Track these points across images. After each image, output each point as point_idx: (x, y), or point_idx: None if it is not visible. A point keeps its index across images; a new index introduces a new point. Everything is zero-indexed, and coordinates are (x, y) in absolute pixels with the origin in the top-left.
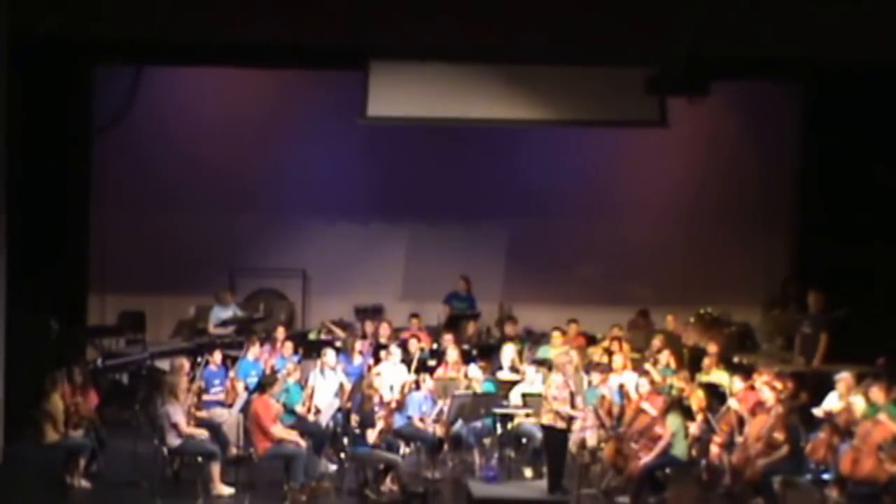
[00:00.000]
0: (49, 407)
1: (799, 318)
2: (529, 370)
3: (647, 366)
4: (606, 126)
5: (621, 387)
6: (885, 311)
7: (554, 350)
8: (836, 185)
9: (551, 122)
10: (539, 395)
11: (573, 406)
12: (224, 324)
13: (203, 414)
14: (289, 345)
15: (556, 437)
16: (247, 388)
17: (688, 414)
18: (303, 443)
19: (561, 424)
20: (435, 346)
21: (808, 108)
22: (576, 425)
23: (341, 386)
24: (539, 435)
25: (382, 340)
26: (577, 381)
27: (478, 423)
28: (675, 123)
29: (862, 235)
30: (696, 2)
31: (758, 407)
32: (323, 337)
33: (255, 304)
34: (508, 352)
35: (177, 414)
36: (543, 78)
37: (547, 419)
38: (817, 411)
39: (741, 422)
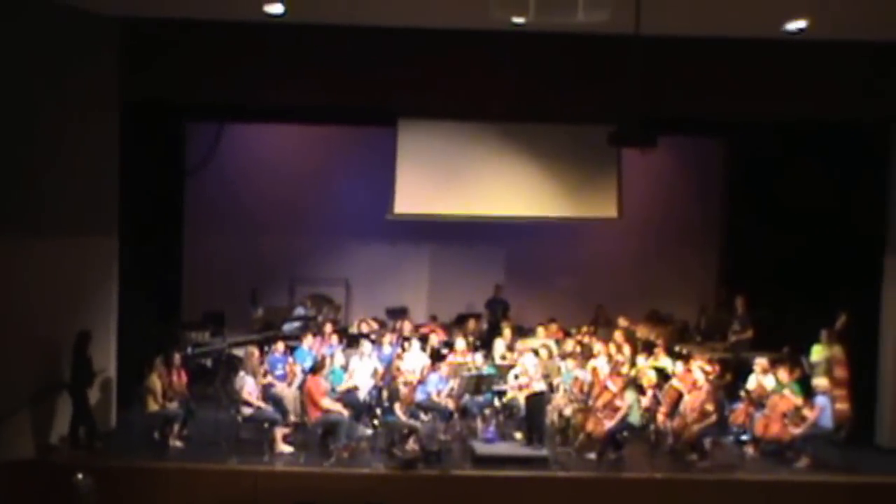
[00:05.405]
0: (150, 384)
1: (728, 318)
2: (521, 359)
3: (616, 354)
4: (578, 222)
5: (594, 369)
6: (794, 312)
7: (538, 341)
8: (753, 212)
9: (538, 219)
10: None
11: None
12: (297, 319)
13: (268, 382)
14: (335, 337)
15: (534, 401)
16: (302, 370)
17: (640, 390)
18: (345, 412)
19: (525, 392)
20: (446, 338)
21: (733, 153)
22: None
23: (375, 369)
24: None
25: (406, 334)
26: (551, 366)
27: (480, 398)
28: (629, 169)
29: (775, 251)
30: (648, 74)
31: (693, 385)
32: (363, 330)
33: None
34: (500, 344)
35: (250, 387)
36: (530, 180)
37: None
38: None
39: (681, 396)
